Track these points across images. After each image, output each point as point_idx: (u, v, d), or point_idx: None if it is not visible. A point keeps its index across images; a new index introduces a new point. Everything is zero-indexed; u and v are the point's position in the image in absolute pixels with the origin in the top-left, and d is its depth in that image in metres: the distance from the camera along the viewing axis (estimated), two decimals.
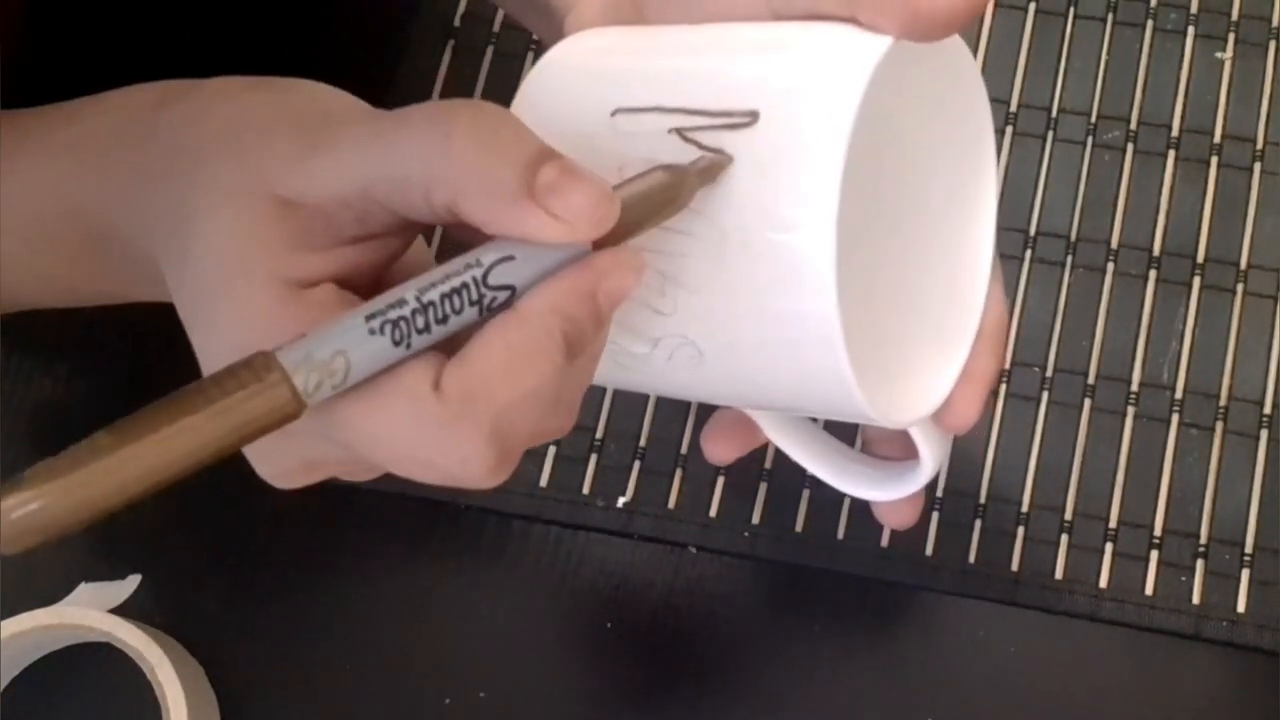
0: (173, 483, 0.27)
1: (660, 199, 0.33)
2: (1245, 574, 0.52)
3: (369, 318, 0.29)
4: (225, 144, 0.32)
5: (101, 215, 0.36)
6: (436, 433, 0.29)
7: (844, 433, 0.46)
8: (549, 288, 0.31)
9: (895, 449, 0.45)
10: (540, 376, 0.30)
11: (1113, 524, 0.53)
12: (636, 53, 0.38)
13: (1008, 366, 0.55)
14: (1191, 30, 0.59)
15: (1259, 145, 0.57)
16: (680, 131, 0.35)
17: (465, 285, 0.30)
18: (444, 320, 0.30)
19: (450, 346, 0.30)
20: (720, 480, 0.54)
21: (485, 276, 0.30)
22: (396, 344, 0.29)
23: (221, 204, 0.31)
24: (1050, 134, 0.58)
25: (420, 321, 0.29)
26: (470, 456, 0.30)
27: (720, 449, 0.46)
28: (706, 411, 0.46)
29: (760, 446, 0.46)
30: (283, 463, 0.33)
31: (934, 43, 0.35)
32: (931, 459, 0.42)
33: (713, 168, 0.34)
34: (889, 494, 0.44)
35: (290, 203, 0.31)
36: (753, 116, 0.34)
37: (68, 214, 0.37)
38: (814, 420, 0.46)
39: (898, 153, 0.41)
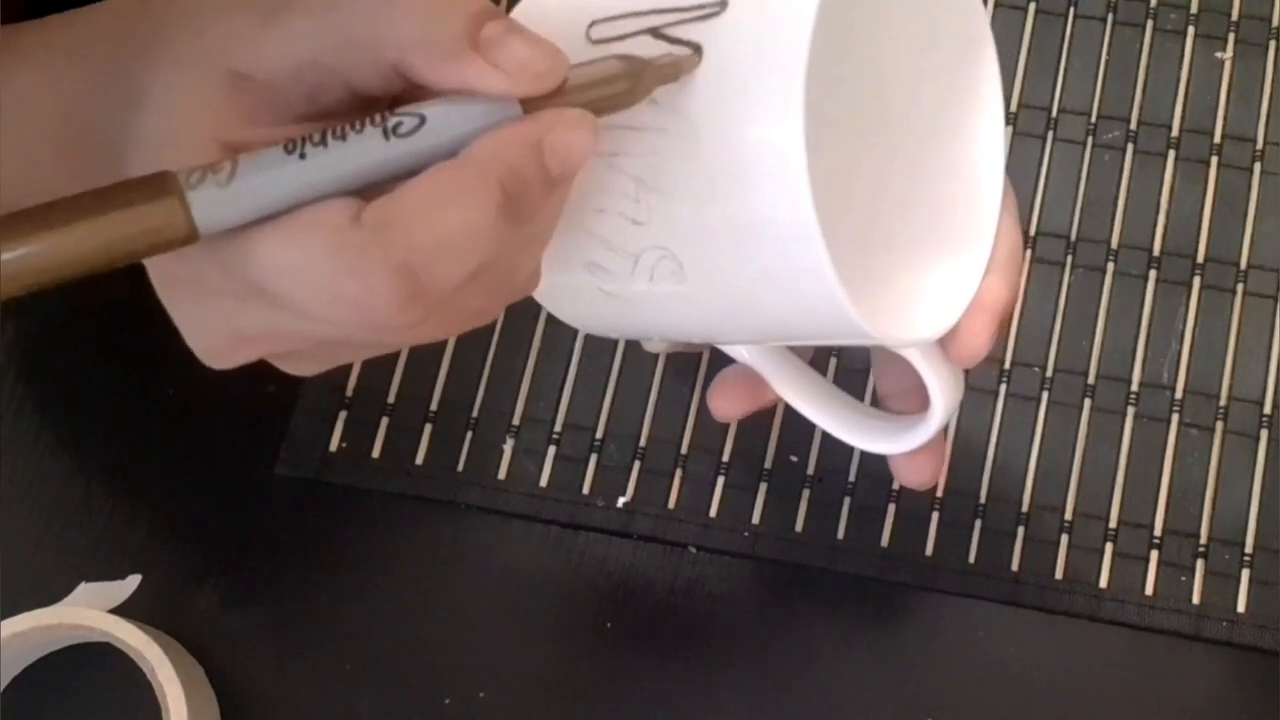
0: (58, 281, 0.27)
1: (614, 88, 0.32)
2: (1245, 574, 0.52)
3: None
4: (189, 24, 0.32)
5: (94, 115, 0.36)
6: (345, 259, 0.29)
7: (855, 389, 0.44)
8: (491, 135, 0.30)
9: (911, 404, 0.43)
10: (465, 221, 0.29)
11: (1113, 524, 0.53)
12: None
13: (1007, 366, 0.55)
14: (1191, 30, 0.59)
15: (1259, 145, 0.57)
16: (654, 30, 0.34)
17: (369, 116, 0.30)
18: (342, 136, 0.29)
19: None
20: (720, 480, 0.54)
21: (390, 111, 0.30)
22: (289, 152, 0.29)
23: (176, 77, 0.31)
24: (1050, 134, 0.58)
25: (316, 137, 0.29)
26: (375, 285, 0.29)
27: (726, 404, 0.44)
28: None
29: (761, 414, 0.44)
30: (212, 332, 0.32)
31: None
32: (942, 399, 0.40)
33: (673, 66, 0.33)
34: (902, 445, 0.43)
35: (244, 76, 0.31)
36: (722, 5, 0.33)
37: (66, 117, 0.37)
38: (818, 369, 0.45)
39: (888, 54, 0.40)
